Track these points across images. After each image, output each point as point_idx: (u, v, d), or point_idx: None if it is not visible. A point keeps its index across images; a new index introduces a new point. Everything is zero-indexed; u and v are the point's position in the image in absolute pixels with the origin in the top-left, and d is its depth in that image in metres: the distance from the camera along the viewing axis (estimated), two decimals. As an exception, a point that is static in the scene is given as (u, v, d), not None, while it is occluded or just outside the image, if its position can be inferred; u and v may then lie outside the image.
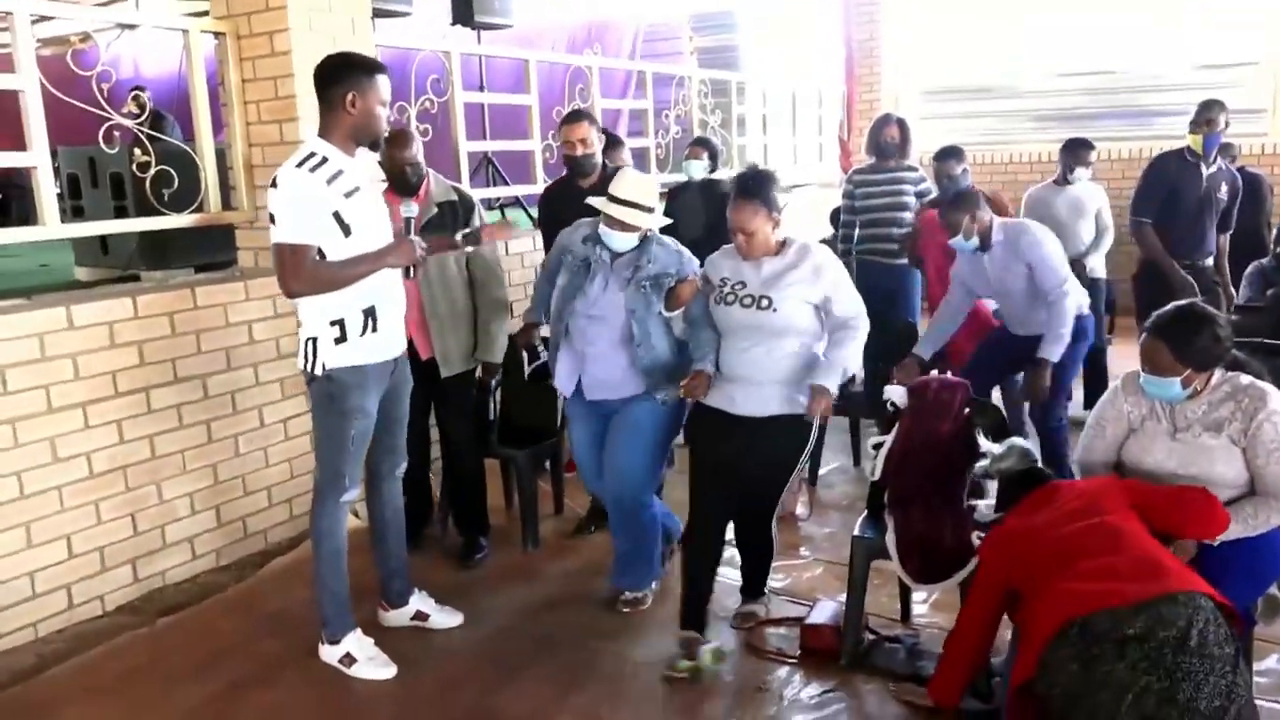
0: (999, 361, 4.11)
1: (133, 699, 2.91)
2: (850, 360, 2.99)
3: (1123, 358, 5.11)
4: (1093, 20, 8.49)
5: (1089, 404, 5.19)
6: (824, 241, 6.04)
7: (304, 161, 2.73)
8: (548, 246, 3.97)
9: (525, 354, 3.77)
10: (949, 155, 5.13)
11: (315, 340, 2.84)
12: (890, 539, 2.92)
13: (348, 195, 2.76)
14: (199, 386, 3.64)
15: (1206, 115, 4.68)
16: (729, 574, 3.41)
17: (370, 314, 2.84)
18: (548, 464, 4.18)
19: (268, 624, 3.32)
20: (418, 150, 3.47)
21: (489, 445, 4.02)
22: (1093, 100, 8.62)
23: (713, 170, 5.02)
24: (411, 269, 2.95)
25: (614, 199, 3.07)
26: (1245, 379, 2.56)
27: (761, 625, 3.21)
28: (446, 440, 3.82)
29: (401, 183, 3.41)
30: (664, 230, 3.24)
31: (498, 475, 4.28)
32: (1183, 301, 2.69)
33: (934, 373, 3.53)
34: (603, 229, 3.13)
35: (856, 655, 2.98)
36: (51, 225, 3.44)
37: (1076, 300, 3.85)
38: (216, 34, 3.84)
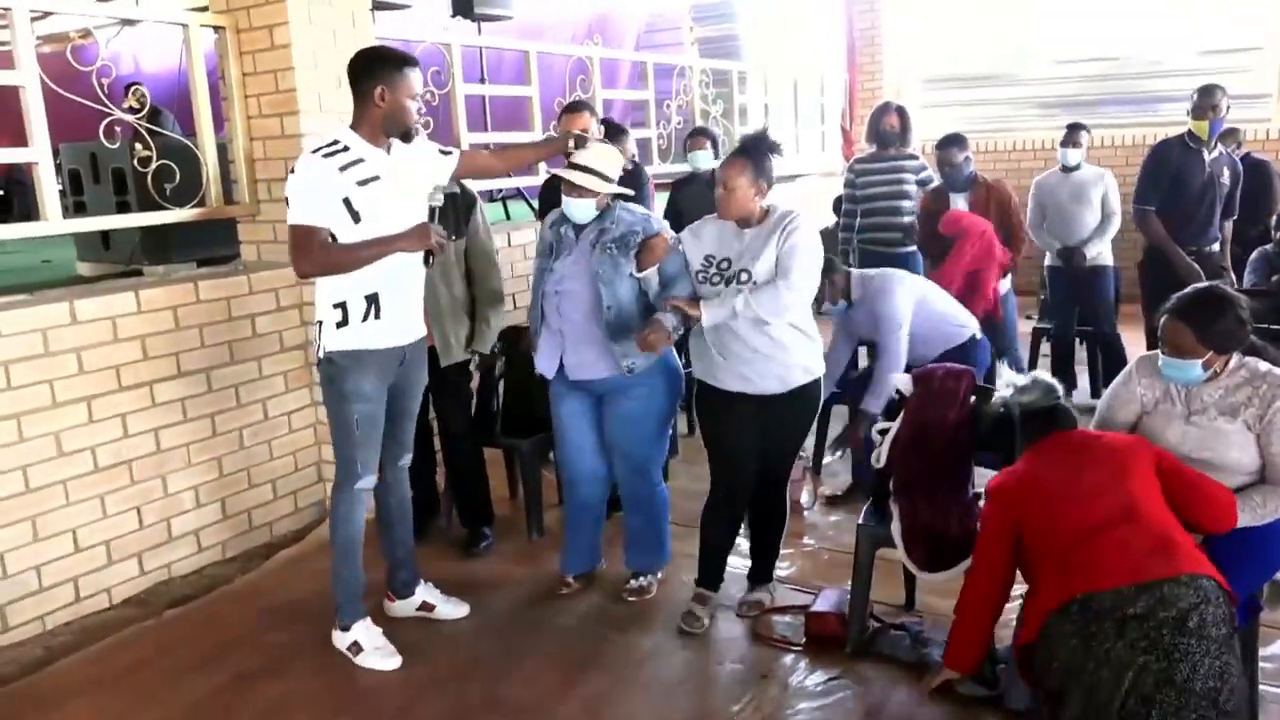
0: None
1: (140, 691, 2.93)
2: (750, 307, 2.83)
3: (1129, 345, 5.11)
4: (1095, 6, 8.46)
5: (1095, 394, 5.19)
6: (826, 230, 6.10)
7: (321, 149, 2.80)
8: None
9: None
10: (951, 143, 5.12)
11: (321, 324, 2.89)
12: (895, 527, 2.92)
13: (362, 183, 2.79)
14: (203, 380, 3.65)
15: (1210, 101, 4.64)
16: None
17: (373, 300, 2.86)
18: (551, 454, 4.18)
19: (274, 616, 3.33)
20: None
21: (493, 435, 4.03)
22: (1095, 87, 8.59)
23: (717, 159, 5.01)
24: (429, 257, 2.97)
25: (573, 165, 3.08)
26: (1264, 365, 2.55)
27: (767, 613, 3.22)
28: (445, 430, 3.82)
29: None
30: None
31: (502, 465, 4.29)
32: (1203, 284, 2.68)
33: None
34: (564, 200, 3.14)
35: (861, 643, 2.98)
36: (54, 221, 3.45)
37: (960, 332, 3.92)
38: (216, 28, 3.83)
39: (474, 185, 3.74)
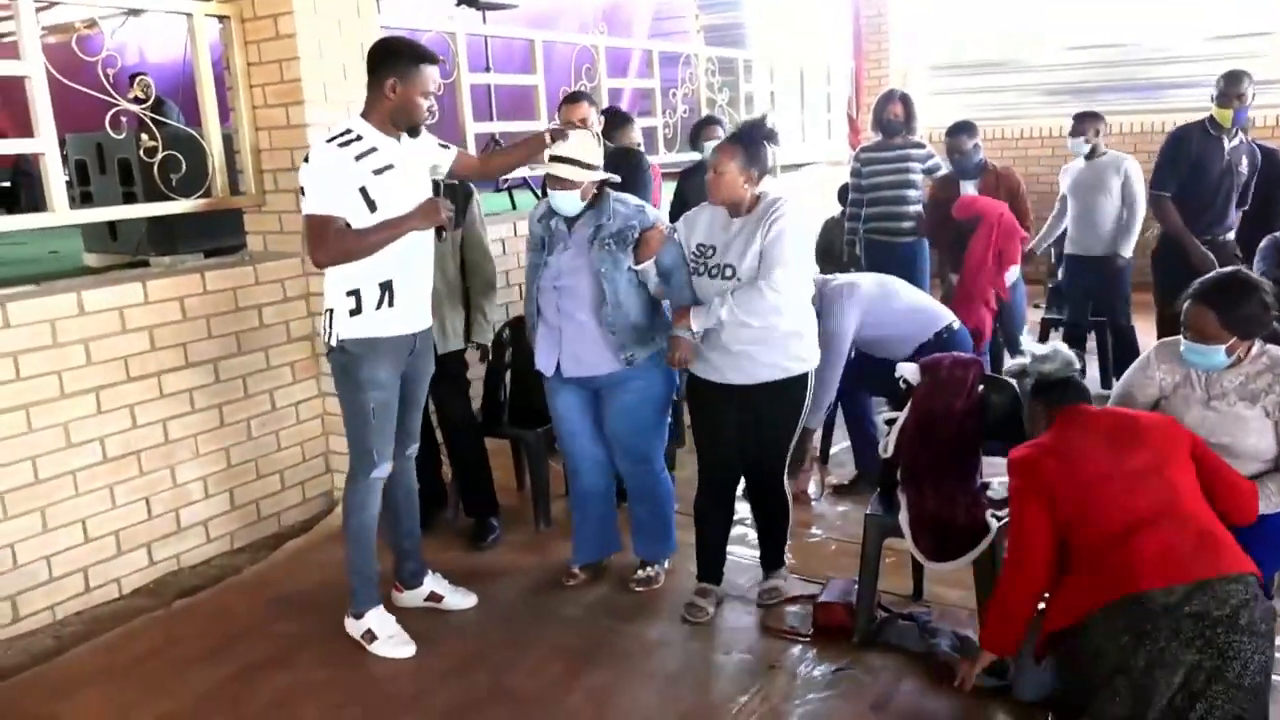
0: (864, 385, 4.04)
1: (149, 681, 2.94)
2: (734, 313, 2.85)
3: (1140, 335, 5.08)
4: (1102, -8, 8.40)
5: (1105, 384, 5.17)
6: (832, 219, 6.08)
7: (335, 137, 2.80)
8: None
9: None
10: (961, 130, 5.09)
11: (332, 312, 2.88)
12: (903, 517, 2.92)
13: (377, 172, 2.79)
14: (210, 371, 3.66)
15: (1237, 89, 4.54)
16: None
17: (387, 287, 2.86)
18: (557, 444, 4.18)
19: (282, 606, 3.34)
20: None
21: (500, 426, 4.03)
22: (1103, 73, 8.52)
23: None
24: (440, 231, 2.96)
25: (555, 158, 3.05)
26: None
27: (785, 602, 3.21)
28: (445, 420, 3.81)
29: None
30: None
31: (509, 456, 4.29)
32: (1227, 269, 2.66)
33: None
34: (550, 193, 3.13)
35: (869, 633, 2.98)
36: (61, 212, 3.45)
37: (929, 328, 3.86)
38: (221, 17, 3.82)
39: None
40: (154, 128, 3.76)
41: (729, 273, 2.93)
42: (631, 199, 3.19)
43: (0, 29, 8.68)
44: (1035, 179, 7.68)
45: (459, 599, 3.31)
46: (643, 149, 4.64)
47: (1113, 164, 5.06)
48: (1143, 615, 2.09)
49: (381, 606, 3.10)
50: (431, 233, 2.98)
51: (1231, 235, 4.85)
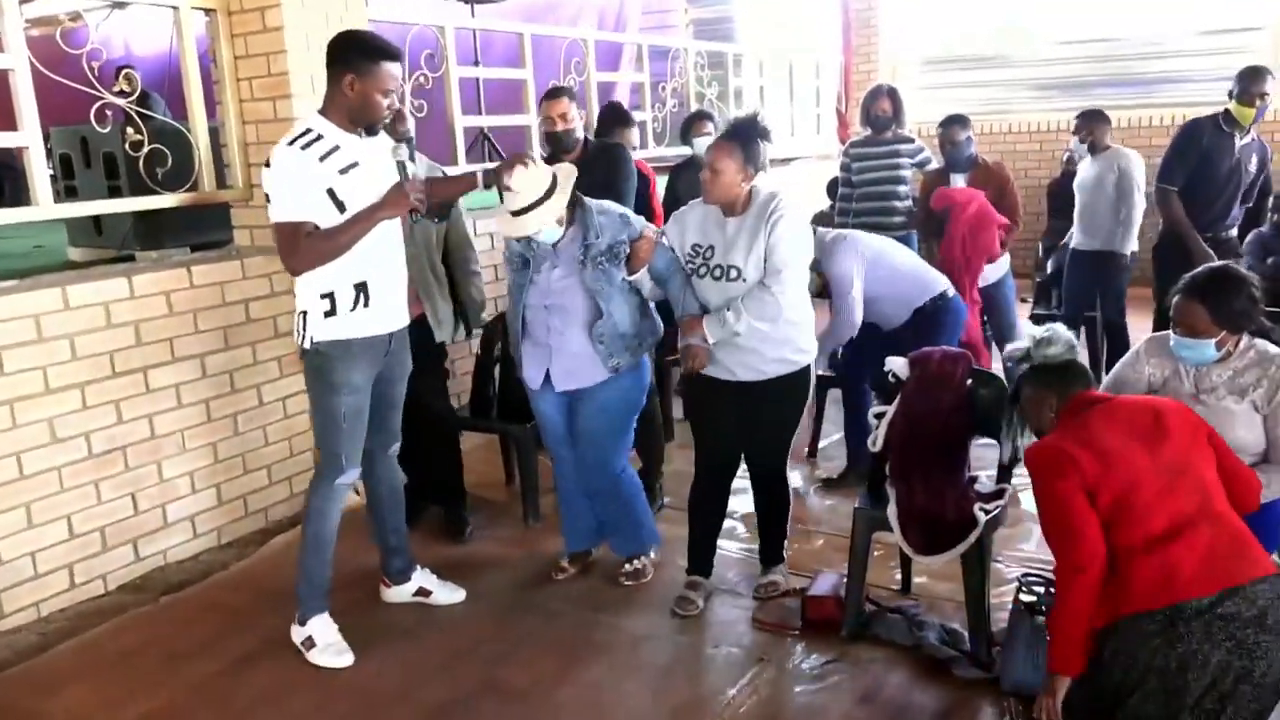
0: (869, 358, 4.03)
1: (137, 676, 2.93)
2: (745, 319, 2.85)
3: (1136, 330, 5.08)
4: (1092, -14, 8.41)
5: (1095, 378, 5.17)
6: (821, 214, 6.08)
7: (296, 139, 2.70)
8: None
9: None
10: (954, 122, 5.09)
11: (306, 314, 2.82)
12: (892, 511, 2.92)
13: (343, 171, 2.72)
14: (197, 366, 3.63)
15: (1260, 88, 4.45)
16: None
17: (362, 288, 2.81)
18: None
19: (269, 601, 3.32)
20: (410, 128, 3.64)
21: (490, 420, 4.03)
22: (1093, 69, 8.52)
23: None
24: (414, 214, 2.82)
25: (515, 213, 2.91)
26: (1274, 348, 2.54)
27: (781, 597, 3.21)
28: (425, 410, 3.68)
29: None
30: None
31: (498, 451, 4.28)
32: (1217, 263, 2.66)
33: None
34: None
35: (858, 626, 2.98)
36: (45, 206, 3.43)
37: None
38: (207, 11, 3.79)
39: (475, 167, 3.75)
40: (140, 121, 3.73)
41: (734, 274, 2.91)
42: (613, 207, 3.14)
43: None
44: (1023, 174, 7.69)
45: (448, 594, 3.30)
46: (636, 146, 4.64)
47: (1112, 159, 5.04)
48: (1178, 619, 2.07)
49: (327, 614, 3.03)
50: (400, 234, 2.92)
51: (1234, 232, 4.81)
